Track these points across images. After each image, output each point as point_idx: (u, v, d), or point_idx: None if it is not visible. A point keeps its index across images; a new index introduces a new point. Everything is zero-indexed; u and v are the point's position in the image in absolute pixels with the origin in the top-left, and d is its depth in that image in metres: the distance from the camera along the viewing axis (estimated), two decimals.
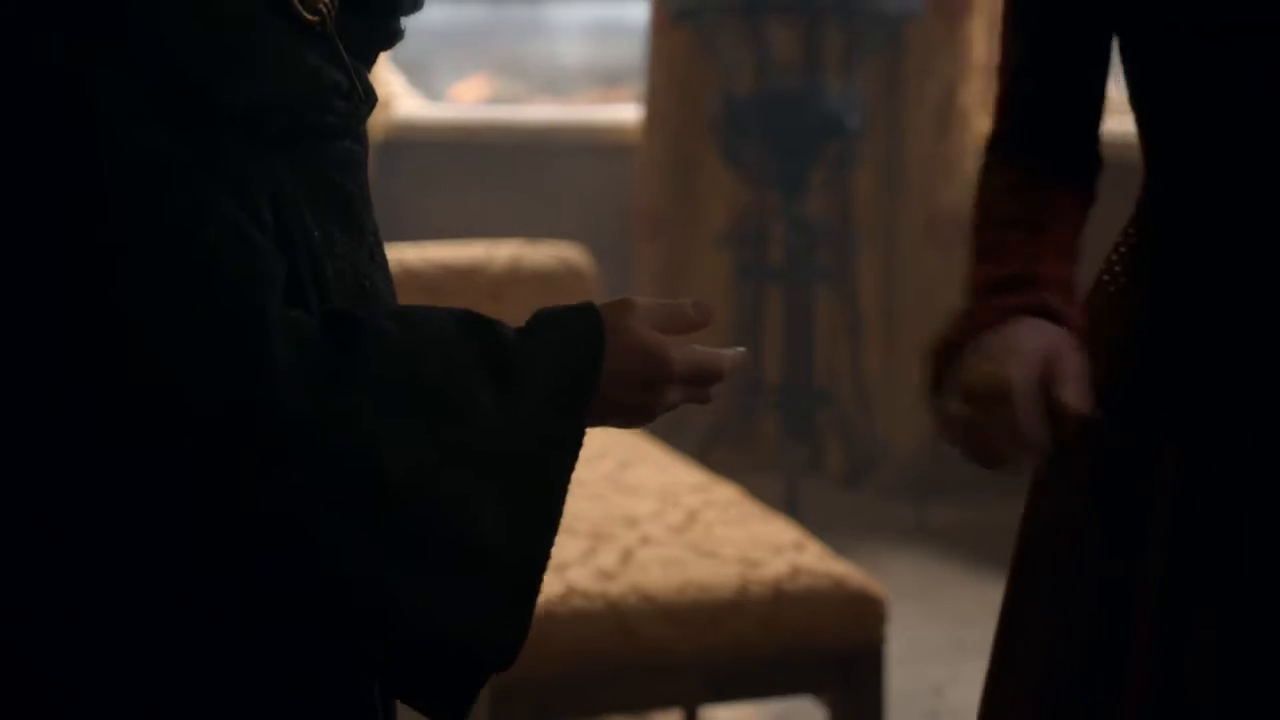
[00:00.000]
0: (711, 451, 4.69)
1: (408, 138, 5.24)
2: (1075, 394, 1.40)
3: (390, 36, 1.29)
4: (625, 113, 5.45)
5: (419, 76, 5.61)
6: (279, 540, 1.11)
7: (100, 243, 1.07)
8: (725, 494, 3.07)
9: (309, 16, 1.19)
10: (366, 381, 1.13)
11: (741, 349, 1.33)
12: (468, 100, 5.79)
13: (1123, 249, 1.65)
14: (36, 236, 1.08)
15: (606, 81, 5.79)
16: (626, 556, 2.71)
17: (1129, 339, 1.61)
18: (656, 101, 5.12)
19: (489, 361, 1.18)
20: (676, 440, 4.56)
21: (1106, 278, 1.66)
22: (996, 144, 1.69)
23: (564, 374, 1.21)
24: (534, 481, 1.19)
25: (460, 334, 1.19)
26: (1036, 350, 1.42)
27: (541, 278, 3.67)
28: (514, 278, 3.67)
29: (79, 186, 1.07)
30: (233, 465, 1.09)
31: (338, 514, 1.11)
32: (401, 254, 3.60)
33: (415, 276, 3.58)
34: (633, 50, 5.46)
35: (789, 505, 4.48)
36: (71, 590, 1.15)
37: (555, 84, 5.81)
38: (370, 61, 1.28)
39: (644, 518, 2.90)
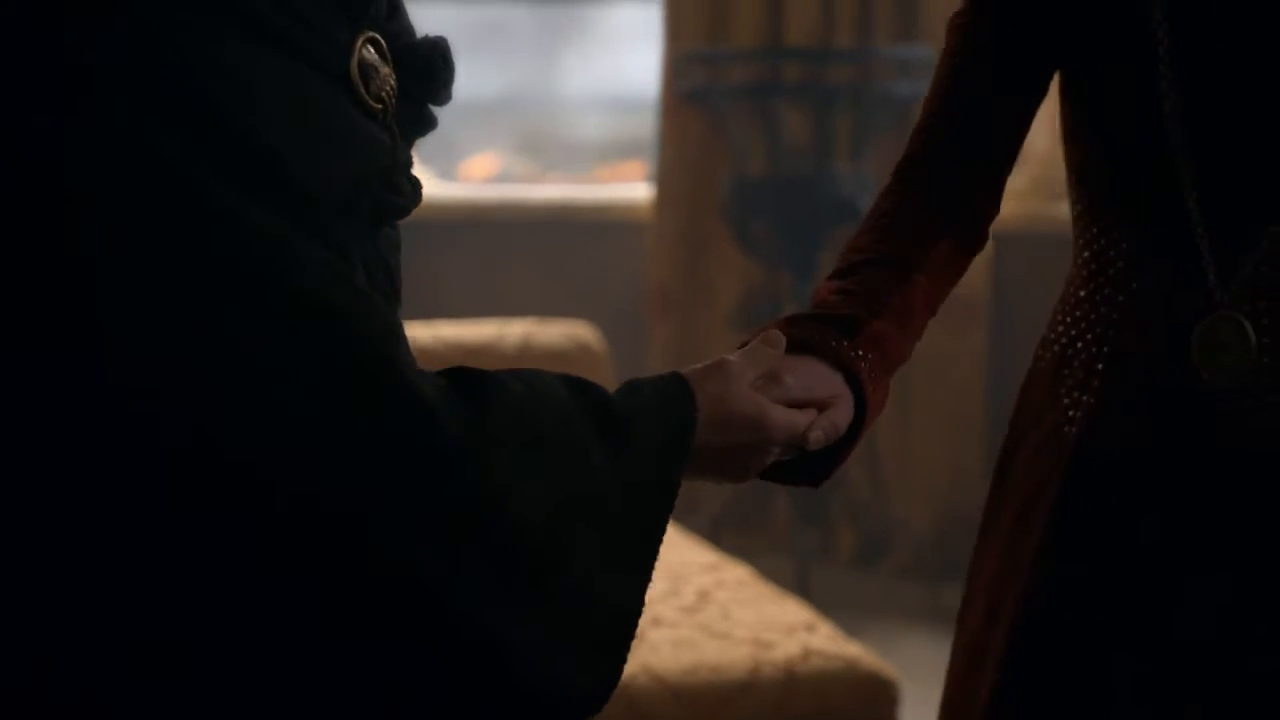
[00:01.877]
0: (723, 532, 4.67)
1: (419, 216, 5.22)
2: (816, 440, 1.46)
3: (426, 124, 1.32)
4: (637, 191, 5.47)
5: (428, 153, 5.63)
6: (406, 581, 1.14)
7: (235, 320, 1.10)
8: (737, 574, 3.06)
9: (374, 105, 1.23)
10: (496, 432, 1.17)
11: (841, 411, 1.46)
12: (478, 177, 5.81)
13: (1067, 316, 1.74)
14: (169, 316, 1.10)
15: (618, 155, 5.82)
16: (638, 637, 2.69)
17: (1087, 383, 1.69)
18: (668, 181, 5.14)
19: (598, 420, 1.24)
20: (688, 520, 4.55)
21: (1052, 336, 1.75)
22: (903, 167, 1.72)
23: (665, 434, 1.28)
24: (636, 533, 1.25)
25: (569, 393, 1.24)
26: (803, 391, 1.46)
27: (553, 357, 3.67)
28: (526, 356, 3.67)
29: (204, 270, 1.10)
30: (387, 512, 1.12)
31: (468, 555, 1.15)
32: (413, 332, 3.60)
33: (427, 355, 3.57)
34: (644, 123, 5.48)
35: (800, 587, 4.46)
36: (194, 646, 1.15)
37: (565, 159, 5.83)
38: (410, 147, 1.32)
39: (655, 598, 2.88)
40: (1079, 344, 1.71)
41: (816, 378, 1.48)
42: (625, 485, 1.24)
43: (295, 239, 1.12)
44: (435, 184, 5.58)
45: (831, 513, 4.98)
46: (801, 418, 1.41)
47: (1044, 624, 1.69)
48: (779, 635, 2.73)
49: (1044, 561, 1.69)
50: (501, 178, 5.81)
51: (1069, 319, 1.73)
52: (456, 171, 5.78)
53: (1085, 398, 1.69)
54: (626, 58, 5.60)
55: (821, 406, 1.46)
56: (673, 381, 1.34)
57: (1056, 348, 1.73)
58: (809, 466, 1.50)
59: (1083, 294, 1.72)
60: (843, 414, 1.48)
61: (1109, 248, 1.69)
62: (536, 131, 5.87)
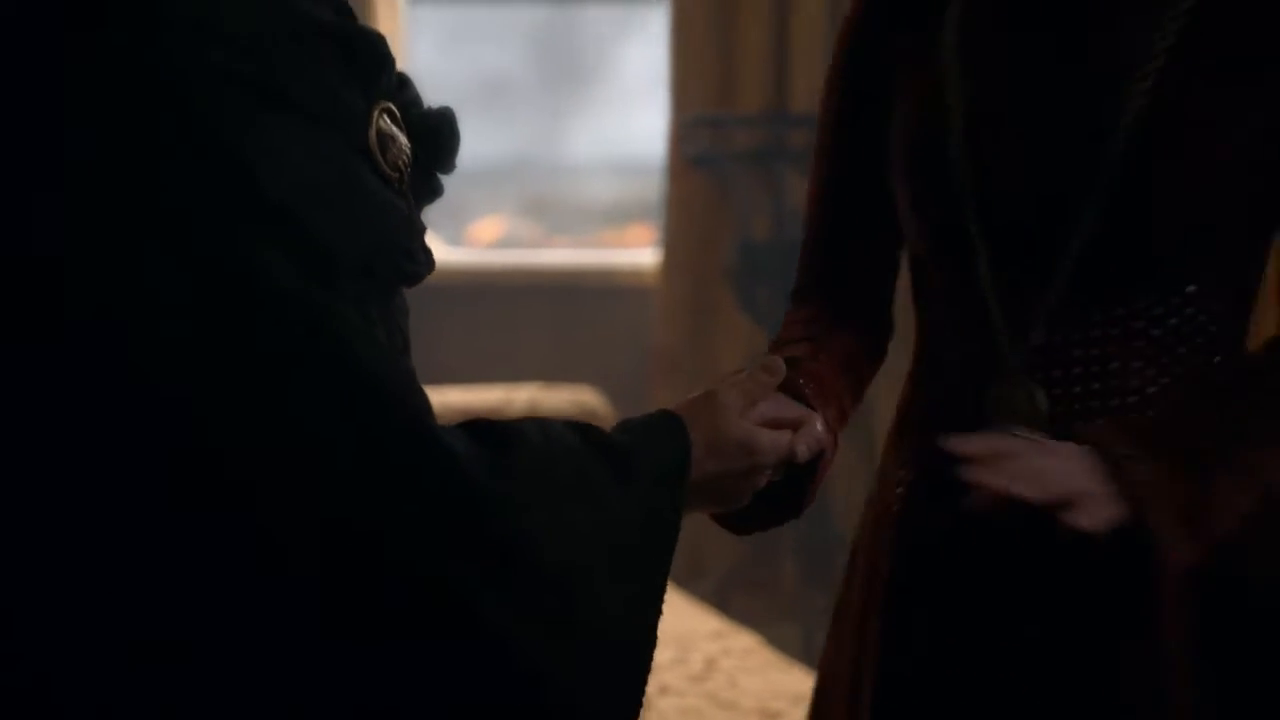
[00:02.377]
0: (730, 596, 4.65)
1: (425, 280, 5.24)
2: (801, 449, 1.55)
3: (435, 192, 1.36)
4: (643, 256, 5.47)
5: (435, 217, 5.63)
6: (446, 616, 1.19)
7: (271, 374, 1.15)
8: (743, 642, 3.04)
9: (392, 173, 1.27)
10: (521, 477, 1.23)
11: (816, 425, 1.55)
12: (484, 241, 5.82)
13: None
14: (205, 368, 1.14)
15: (624, 218, 5.82)
16: (645, 705, 2.67)
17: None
18: (674, 245, 5.15)
19: (605, 458, 1.31)
20: (694, 585, 4.52)
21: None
22: (795, 295, 1.84)
23: (665, 466, 1.36)
24: (649, 565, 1.31)
25: (576, 434, 1.31)
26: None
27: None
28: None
29: (239, 324, 1.15)
30: (428, 555, 1.18)
31: (503, 594, 1.20)
32: None
33: None
34: (650, 186, 5.49)
35: (807, 652, 4.43)
36: (242, 691, 1.18)
37: (572, 222, 5.84)
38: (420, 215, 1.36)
39: (662, 666, 2.86)
40: (905, 418, 1.79)
41: (783, 403, 1.57)
42: (636, 519, 1.31)
43: (324, 296, 1.17)
44: (442, 248, 5.59)
45: (838, 576, 4.96)
46: (784, 437, 1.49)
47: (898, 711, 1.73)
48: (786, 704, 2.71)
49: (885, 649, 1.74)
50: (507, 241, 5.82)
51: (902, 394, 1.81)
52: (463, 235, 5.78)
53: (905, 473, 1.76)
54: (632, 120, 5.61)
55: (795, 426, 1.54)
56: (665, 417, 1.41)
57: (892, 424, 1.81)
58: (789, 498, 1.59)
59: (910, 369, 1.79)
60: (817, 429, 1.57)
61: (927, 321, 1.76)
62: (542, 195, 5.88)
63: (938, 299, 1.75)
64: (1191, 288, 1.64)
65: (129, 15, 1.15)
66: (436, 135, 1.34)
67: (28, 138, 1.15)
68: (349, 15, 1.29)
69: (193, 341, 1.14)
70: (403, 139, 1.28)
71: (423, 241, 1.30)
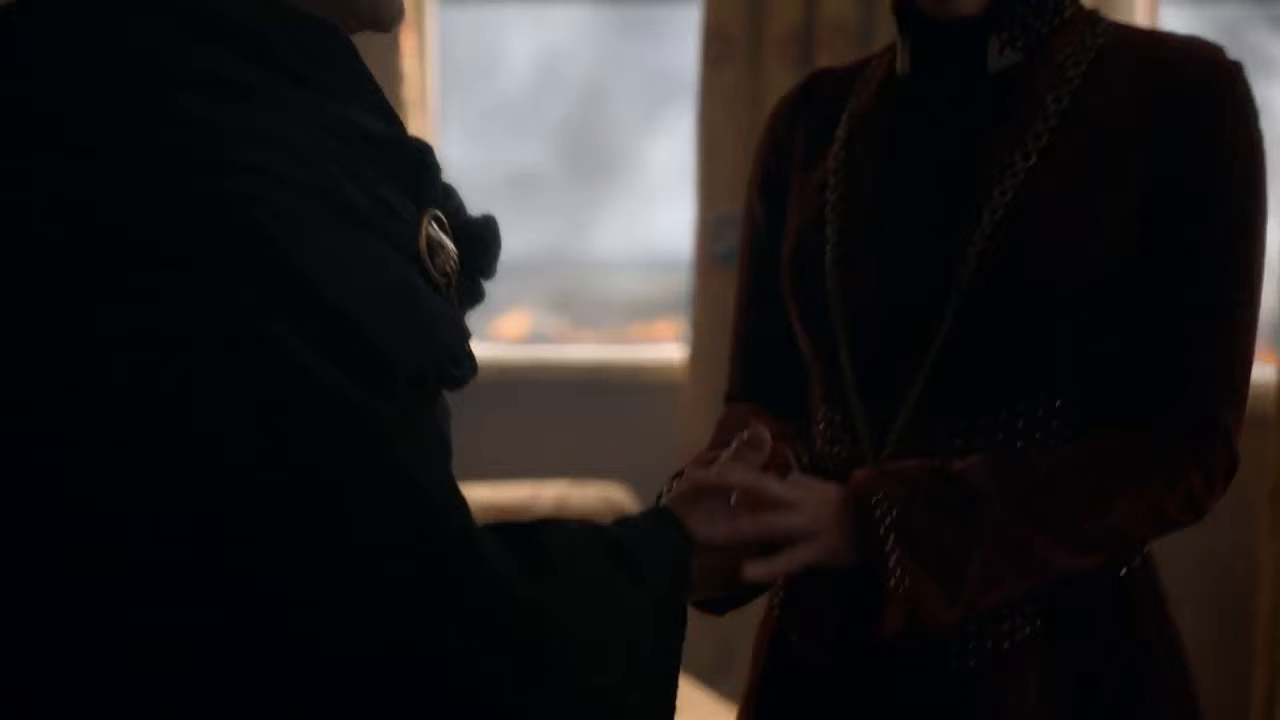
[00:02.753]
0: None
1: None
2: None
3: (477, 297, 1.40)
4: (670, 351, 5.47)
5: None
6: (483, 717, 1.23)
7: (322, 483, 1.18)
8: None
9: (439, 279, 1.30)
10: (552, 582, 1.28)
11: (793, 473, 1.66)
12: (511, 336, 5.82)
13: None
14: (236, 475, 1.17)
15: (651, 313, 5.82)
16: None
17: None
18: (701, 341, 5.14)
19: (618, 559, 1.37)
20: (720, 682, 4.48)
21: None
22: (726, 399, 1.94)
23: (669, 563, 1.44)
24: (664, 658, 1.38)
25: (591, 536, 1.37)
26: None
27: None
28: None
29: (297, 433, 1.17)
30: (467, 660, 1.21)
31: (537, 697, 1.24)
32: None
33: None
34: (678, 280, 5.49)
35: None
36: None
37: (598, 316, 5.84)
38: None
39: None
40: None
41: (765, 480, 1.63)
42: (650, 617, 1.37)
43: (378, 407, 1.19)
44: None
45: None
46: (769, 519, 1.59)
47: None
48: None
49: None
50: (534, 336, 5.83)
51: None
52: (489, 330, 5.79)
53: (782, 589, 1.82)
54: (659, 215, 5.63)
55: (778, 505, 1.61)
56: (663, 515, 1.52)
57: None
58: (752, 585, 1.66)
59: (806, 465, 1.84)
60: (793, 515, 1.62)
61: (816, 420, 1.83)
62: (569, 289, 5.89)
63: (820, 402, 1.81)
64: (1045, 401, 1.68)
65: (190, 126, 1.18)
66: (479, 241, 1.37)
67: (87, 251, 1.17)
68: (399, 125, 1.32)
69: (249, 453, 1.16)
70: (450, 245, 1.32)
71: (468, 346, 1.33)
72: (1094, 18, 1.76)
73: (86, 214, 1.17)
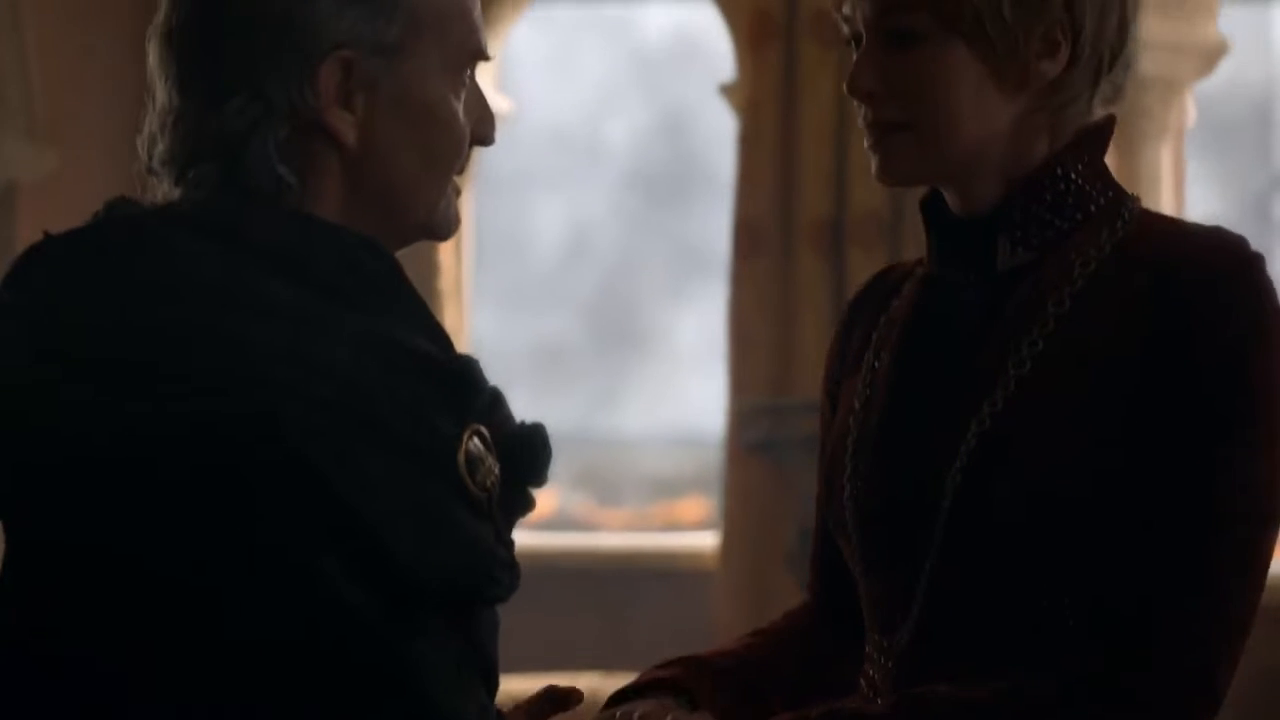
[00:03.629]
0: None
1: None
2: None
3: (527, 505, 1.38)
4: (701, 539, 5.46)
5: None
6: None
7: (334, 701, 1.20)
8: None
9: (478, 493, 1.29)
10: None
11: None
12: (536, 517, 5.81)
13: None
14: (265, 685, 1.19)
15: (678, 491, 5.82)
16: None
17: None
18: (733, 529, 5.14)
19: None
20: None
21: None
22: (805, 589, 1.89)
23: None
24: None
25: None
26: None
27: None
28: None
29: (320, 655, 1.19)
30: None
31: None
32: None
33: None
34: (706, 457, 5.50)
35: None
36: None
37: (625, 493, 5.84)
38: (511, 531, 1.38)
39: None
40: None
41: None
42: None
43: (404, 630, 1.21)
44: None
45: None
46: None
47: None
48: None
49: None
50: (560, 515, 5.82)
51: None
52: None
53: None
54: (687, 389, 5.64)
55: None
56: None
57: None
58: None
59: None
60: None
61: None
62: (595, 464, 5.89)
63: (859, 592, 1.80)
64: (1054, 600, 1.60)
65: (231, 346, 1.21)
66: (531, 452, 1.36)
67: (146, 471, 1.21)
68: (443, 341, 1.33)
69: (279, 674, 1.19)
70: (491, 460, 1.31)
71: (507, 559, 1.32)
72: (1121, 210, 1.66)
73: (147, 435, 1.21)
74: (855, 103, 1.66)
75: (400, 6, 1.31)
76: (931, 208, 1.71)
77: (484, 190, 5.64)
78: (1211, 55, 5.22)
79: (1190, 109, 5.27)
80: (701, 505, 5.61)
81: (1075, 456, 1.58)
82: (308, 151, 1.30)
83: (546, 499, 5.83)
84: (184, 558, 1.20)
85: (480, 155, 5.56)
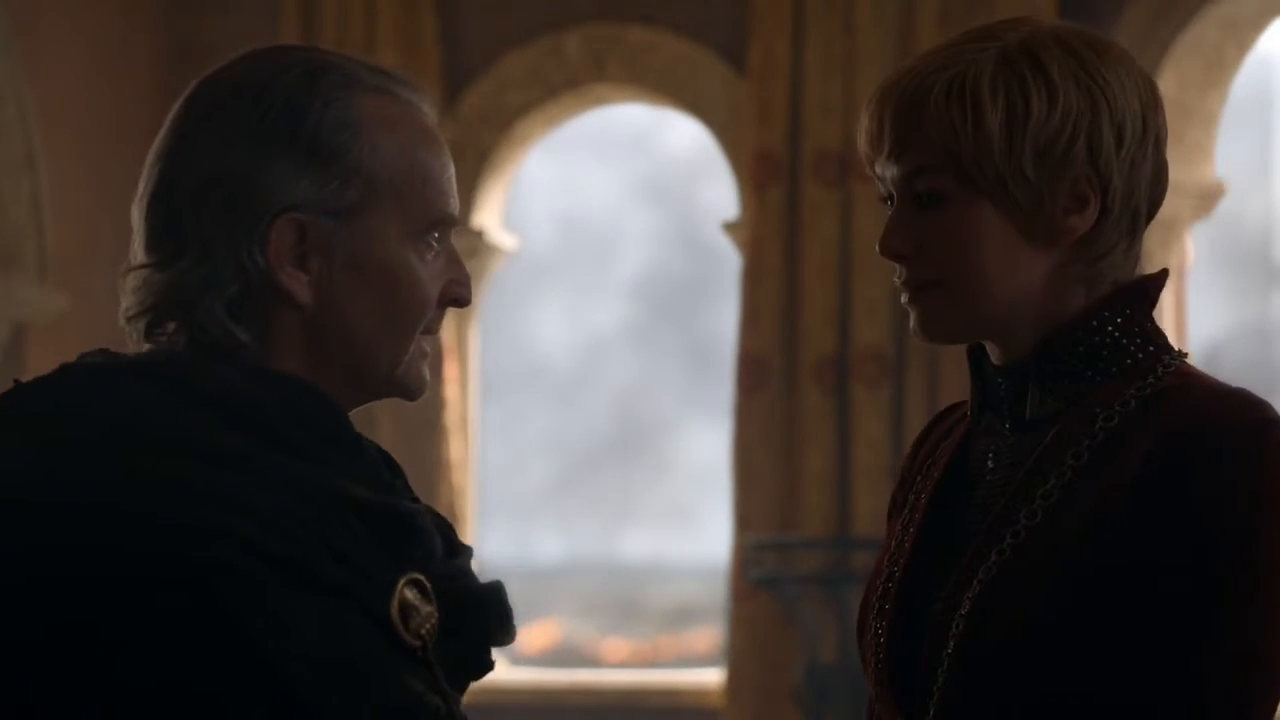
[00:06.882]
0: None
1: (482, 701, 5.18)
2: None
3: (482, 666, 1.37)
4: (706, 675, 5.44)
5: None
6: None
7: None
8: None
9: (412, 641, 1.29)
10: None
11: None
12: (539, 646, 5.80)
13: None
14: None
15: (685, 621, 5.80)
16: None
17: None
18: (738, 665, 5.11)
19: None
20: None
21: None
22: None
23: None
24: None
25: None
26: None
27: None
28: None
29: None
30: None
31: None
32: None
33: None
34: (711, 589, 5.49)
35: None
36: None
37: (631, 623, 5.82)
38: (462, 690, 1.35)
39: None
40: None
41: None
42: None
43: None
44: (498, 666, 5.53)
45: None
46: None
47: None
48: None
49: None
50: (563, 645, 5.80)
51: None
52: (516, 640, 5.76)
53: None
54: (693, 515, 5.64)
55: None
56: None
57: None
58: None
59: None
60: None
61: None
62: (601, 592, 5.88)
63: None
64: None
65: (164, 490, 1.24)
66: (480, 607, 1.36)
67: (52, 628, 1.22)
68: (388, 491, 1.34)
69: None
70: (428, 609, 1.31)
71: (441, 709, 1.30)
72: (1157, 365, 1.66)
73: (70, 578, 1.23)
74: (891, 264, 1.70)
75: (358, 171, 1.33)
76: (975, 356, 1.73)
77: (490, 319, 5.68)
78: (1209, 196, 5.30)
79: (1190, 249, 5.33)
80: (708, 636, 5.61)
81: (1066, 611, 1.59)
82: (265, 309, 1.32)
83: (549, 631, 5.81)
84: (101, 707, 1.21)
85: (486, 287, 5.60)
